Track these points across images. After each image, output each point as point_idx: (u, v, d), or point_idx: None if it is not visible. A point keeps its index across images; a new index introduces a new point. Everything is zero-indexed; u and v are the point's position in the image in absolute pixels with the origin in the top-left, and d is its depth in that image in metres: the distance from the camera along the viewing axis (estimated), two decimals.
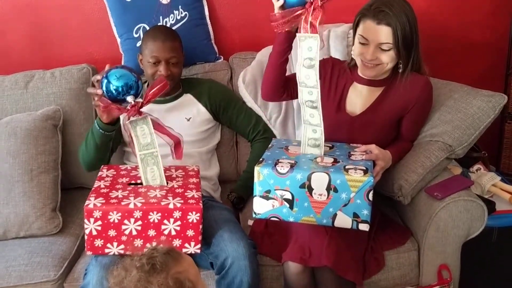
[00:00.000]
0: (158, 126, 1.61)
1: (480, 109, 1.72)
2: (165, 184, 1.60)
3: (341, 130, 1.74)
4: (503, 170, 2.32)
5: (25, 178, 1.87)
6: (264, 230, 1.60)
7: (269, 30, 1.61)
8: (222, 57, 2.23)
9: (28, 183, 1.87)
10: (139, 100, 1.54)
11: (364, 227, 1.52)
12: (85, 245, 1.52)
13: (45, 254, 1.77)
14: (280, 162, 1.56)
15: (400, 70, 1.69)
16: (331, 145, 1.69)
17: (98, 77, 1.56)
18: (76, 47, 2.24)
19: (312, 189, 1.51)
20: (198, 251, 1.54)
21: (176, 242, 1.52)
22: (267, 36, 1.56)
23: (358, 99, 1.76)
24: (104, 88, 1.54)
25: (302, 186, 1.52)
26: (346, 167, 1.52)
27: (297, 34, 1.53)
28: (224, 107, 2.01)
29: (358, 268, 1.60)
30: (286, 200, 1.55)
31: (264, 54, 2.07)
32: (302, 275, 1.56)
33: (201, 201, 1.54)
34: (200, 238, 1.53)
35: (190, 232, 1.52)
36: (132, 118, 1.54)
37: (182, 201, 1.52)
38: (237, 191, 1.97)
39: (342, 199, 1.50)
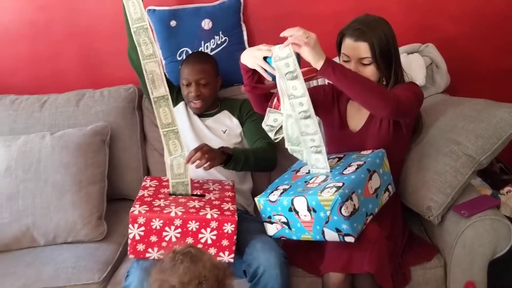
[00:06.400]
0: None
1: (502, 120, 1.72)
2: (185, 154, 1.72)
3: (346, 146, 1.80)
4: None
5: (74, 188, 1.98)
6: (297, 242, 1.68)
7: None
8: None
9: (77, 193, 1.98)
10: None
11: (349, 239, 1.54)
12: (128, 249, 1.61)
13: (90, 259, 1.87)
14: (277, 190, 1.67)
15: (384, 83, 1.75)
16: (342, 155, 1.75)
17: None
18: (124, 69, 2.27)
19: (298, 211, 1.59)
20: (232, 260, 1.61)
21: (212, 251, 1.60)
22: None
23: (356, 115, 1.82)
24: None
25: (290, 210, 1.60)
26: (327, 186, 1.55)
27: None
28: (247, 118, 2.08)
29: (393, 280, 1.62)
30: (284, 222, 1.64)
31: None
32: (343, 285, 1.59)
33: (236, 214, 1.61)
34: (233, 248, 1.61)
35: (225, 242, 1.60)
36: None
37: (218, 212, 1.60)
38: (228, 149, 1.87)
39: (321, 217, 1.55)
